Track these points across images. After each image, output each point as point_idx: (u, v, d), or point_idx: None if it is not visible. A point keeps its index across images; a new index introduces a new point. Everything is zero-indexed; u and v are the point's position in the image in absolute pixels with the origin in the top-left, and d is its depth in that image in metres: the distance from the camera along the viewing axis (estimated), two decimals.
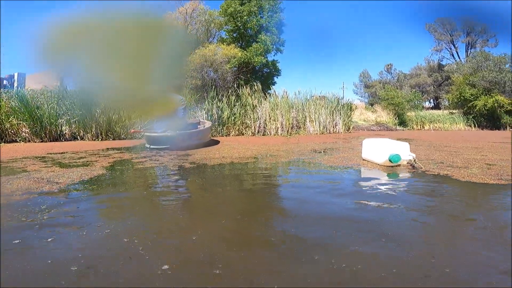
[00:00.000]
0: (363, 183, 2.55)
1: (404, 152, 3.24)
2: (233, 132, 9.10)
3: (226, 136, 8.44)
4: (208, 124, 6.74)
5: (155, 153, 4.64)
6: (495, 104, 16.17)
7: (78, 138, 7.27)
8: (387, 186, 2.38)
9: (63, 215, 1.75)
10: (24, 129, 7.00)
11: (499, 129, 15.97)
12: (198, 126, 6.39)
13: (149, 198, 2.23)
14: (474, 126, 16.79)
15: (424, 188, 2.38)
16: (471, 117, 17.10)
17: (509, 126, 16.33)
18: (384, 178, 2.74)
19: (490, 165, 3.30)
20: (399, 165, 3.23)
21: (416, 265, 1.15)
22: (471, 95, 16.97)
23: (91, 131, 7.18)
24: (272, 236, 1.48)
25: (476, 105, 16.69)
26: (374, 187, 2.36)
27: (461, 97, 17.47)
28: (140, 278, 1.08)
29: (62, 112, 7.27)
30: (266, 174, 3.06)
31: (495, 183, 2.37)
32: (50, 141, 6.88)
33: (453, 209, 1.82)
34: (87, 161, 3.85)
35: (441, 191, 2.23)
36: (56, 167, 3.42)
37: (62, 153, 4.77)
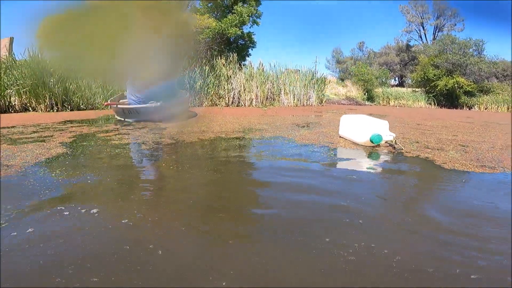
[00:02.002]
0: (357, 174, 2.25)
1: (384, 131, 2.99)
2: (206, 103, 8.52)
3: (198, 106, 7.86)
4: (186, 94, 5.99)
5: (124, 126, 4.04)
6: (455, 85, 16.81)
7: (30, 109, 6.32)
8: (381, 179, 2.09)
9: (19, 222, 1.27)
10: None
11: (456, 108, 16.72)
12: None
13: (121, 187, 1.77)
14: (434, 104, 17.47)
15: (413, 182, 2.12)
16: (431, 95, 17.73)
17: (466, 105, 17.14)
18: (372, 164, 2.46)
19: (463, 146, 3.17)
20: (379, 145, 2.99)
21: None
22: (434, 75, 17.46)
23: (45, 101, 6.25)
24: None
25: (437, 85, 17.26)
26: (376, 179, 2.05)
27: (425, 77, 17.95)
28: None
29: (10, 82, 6.22)
30: (257, 161, 2.55)
31: (480, 171, 2.18)
32: None
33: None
34: (42, 137, 3.19)
35: (434, 188, 1.95)
36: (4, 144, 2.77)
37: (11, 127, 3.99)
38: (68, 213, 1.38)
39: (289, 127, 4.14)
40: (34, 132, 3.48)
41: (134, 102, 4.58)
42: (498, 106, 16.49)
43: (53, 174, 1.96)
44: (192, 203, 1.53)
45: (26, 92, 6.18)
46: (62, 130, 3.71)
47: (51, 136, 3.25)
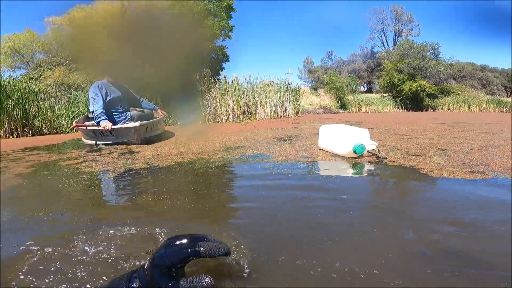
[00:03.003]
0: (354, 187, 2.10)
1: (366, 140, 2.89)
2: (180, 121, 8.19)
3: (173, 125, 7.52)
4: (160, 112, 5.44)
5: (90, 152, 3.65)
6: (418, 88, 17.72)
7: None
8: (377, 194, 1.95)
9: None
10: None
11: (421, 110, 17.57)
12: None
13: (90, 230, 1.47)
14: (402, 108, 18.24)
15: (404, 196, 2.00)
16: (398, 99, 18.54)
17: (430, 107, 18.08)
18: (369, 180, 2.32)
19: (443, 150, 3.16)
20: (361, 155, 2.88)
21: None
22: (399, 80, 18.34)
23: (3, 127, 5.66)
24: None
25: (403, 89, 18.12)
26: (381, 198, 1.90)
27: (390, 82, 18.81)
28: None
29: None
30: (244, 178, 2.36)
31: (472, 178, 2.11)
32: None
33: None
34: None
35: (429, 203, 1.82)
36: None
37: None
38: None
39: (270, 142, 3.97)
40: None
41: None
42: (459, 106, 17.55)
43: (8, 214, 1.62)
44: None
45: None
46: (20, 159, 3.28)
47: (5, 167, 2.84)
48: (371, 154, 2.94)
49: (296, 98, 10.91)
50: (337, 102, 16.48)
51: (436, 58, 19.09)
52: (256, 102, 9.66)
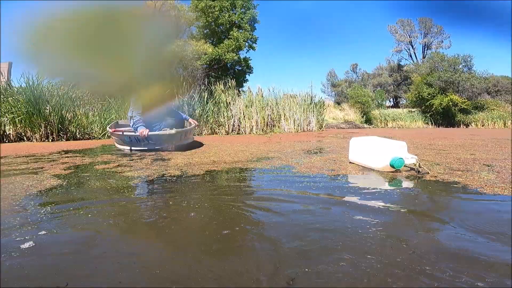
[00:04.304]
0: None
1: (404, 154, 2.75)
2: (205, 131, 8.33)
3: (198, 135, 7.66)
4: (192, 122, 5.48)
5: (122, 157, 3.78)
6: (450, 103, 16.98)
7: (25, 139, 6.07)
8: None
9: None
10: None
11: (453, 126, 16.76)
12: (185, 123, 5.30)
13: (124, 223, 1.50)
14: (431, 124, 17.52)
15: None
16: (428, 115, 17.84)
17: (462, 123, 17.21)
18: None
19: (489, 166, 2.95)
20: (399, 170, 2.74)
21: None
22: (429, 94, 17.68)
23: (40, 130, 6.02)
24: None
25: (433, 104, 17.43)
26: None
27: (419, 96, 18.16)
28: None
29: (4, 110, 6.02)
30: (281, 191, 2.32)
31: None
32: None
33: None
34: (34, 168, 2.93)
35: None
36: None
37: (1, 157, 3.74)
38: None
39: (300, 154, 3.92)
40: (24, 162, 3.22)
41: (139, 123, 4.28)
42: (494, 122, 16.58)
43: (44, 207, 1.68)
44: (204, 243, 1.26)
45: (21, 120, 5.97)
46: (54, 160, 3.45)
47: (42, 168, 2.99)
48: (409, 168, 2.80)
49: (320, 112, 10.82)
50: (362, 116, 16.17)
51: (469, 71, 18.32)
52: (280, 114, 9.66)
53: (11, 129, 6.05)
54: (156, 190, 2.30)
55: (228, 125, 8.71)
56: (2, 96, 6.10)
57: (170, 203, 1.90)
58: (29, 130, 6.03)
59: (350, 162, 3.21)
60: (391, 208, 1.76)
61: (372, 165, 2.88)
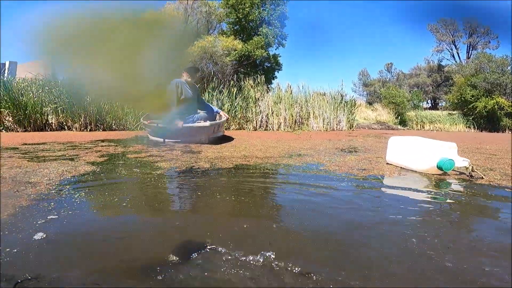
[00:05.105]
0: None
1: (454, 156, 2.47)
2: (233, 126, 8.38)
3: (226, 129, 7.72)
4: (223, 115, 5.49)
5: (153, 147, 3.89)
6: (495, 106, 15.68)
7: (66, 128, 6.48)
8: None
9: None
10: (7, 117, 6.21)
11: (498, 131, 15.45)
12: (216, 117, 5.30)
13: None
14: (474, 127, 16.29)
15: None
16: (470, 118, 16.60)
17: (508, 128, 15.85)
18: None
19: None
20: (446, 173, 2.52)
21: None
22: (472, 96, 16.43)
23: (80, 120, 6.39)
24: None
25: (476, 107, 16.18)
26: None
27: (462, 98, 16.93)
28: None
29: (48, 100, 6.46)
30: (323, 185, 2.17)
31: None
32: (35, 130, 6.09)
33: None
34: (71, 155, 3.10)
35: None
36: (27, 161, 2.69)
37: (40, 143, 4.01)
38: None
39: (333, 153, 3.78)
40: (62, 149, 3.41)
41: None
42: None
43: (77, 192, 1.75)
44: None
45: (63, 110, 6.38)
46: (93, 149, 3.61)
47: (77, 155, 3.14)
48: (459, 172, 2.55)
49: (350, 111, 10.46)
50: (396, 117, 15.42)
51: None
52: (309, 112, 9.47)
53: (53, 119, 6.48)
54: (189, 185, 2.31)
55: (256, 121, 8.69)
56: (46, 88, 6.54)
57: (199, 192, 1.89)
58: (70, 119, 6.42)
59: (387, 163, 3.03)
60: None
61: (414, 166, 2.65)
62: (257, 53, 13.36)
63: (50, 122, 6.47)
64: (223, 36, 13.92)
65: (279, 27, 14.10)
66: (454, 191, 2.11)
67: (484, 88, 16.30)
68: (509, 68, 16.91)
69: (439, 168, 2.42)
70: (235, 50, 13.09)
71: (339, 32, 54.72)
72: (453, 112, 17.91)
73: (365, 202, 1.75)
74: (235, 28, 14.63)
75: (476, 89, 16.58)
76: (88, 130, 6.38)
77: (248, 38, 14.11)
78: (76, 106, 6.29)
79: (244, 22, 14.25)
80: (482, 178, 2.35)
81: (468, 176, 2.42)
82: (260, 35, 13.61)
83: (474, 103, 16.52)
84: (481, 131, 15.71)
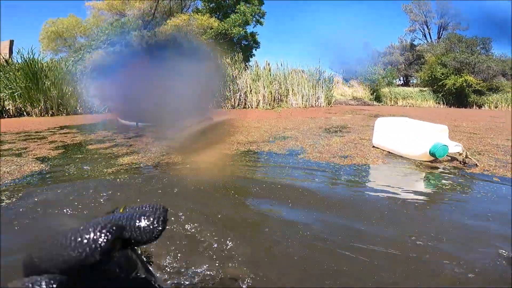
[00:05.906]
0: None
1: (446, 140, 2.19)
2: (210, 105, 7.93)
3: None
4: None
5: (121, 135, 3.39)
6: (464, 84, 16.17)
7: (25, 114, 5.76)
8: None
9: None
10: None
11: (465, 107, 16.02)
12: None
13: None
14: (443, 103, 16.81)
15: None
16: (440, 95, 17.07)
17: (475, 104, 16.49)
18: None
19: None
20: (438, 159, 2.22)
21: None
22: (442, 74, 16.83)
23: (39, 105, 5.68)
24: None
25: (446, 84, 16.63)
26: None
27: (432, 76, 17.31)
28: None
29: (3, 86, 5.66)
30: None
31: None
32: None
33: None
34: (19, 148, 2.60)
35: None
36: None
37: None
38: None
39: (318, 134, 3.53)
40: (11, 141, 2.90)
41: None
42: (508, 104, 15.84)
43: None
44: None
45: (20, 95, 5.62)
46: (44, 138, 3.12)
47: (25, 148, 2.66)
48: (450, 158, 2.29)
49: (329, 88, 10.28)
50: (371, 94, 15.50)
51: (486, 53, 17.31)
52: (288, 89, 9.16)
53: (10, 104, 5.72)
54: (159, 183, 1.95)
55: (234, 99, 8.29)
56: (1, 73, 5.72)
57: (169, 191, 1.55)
58: (28, 105, 5.69)
59: (373, 147, 2.73)
60: None
61: (404, 151, 2.36)
62: (234, 31, 12.65)
63: (7, 108, 5.71)
64: (198, 14, 13.01)
65: (257, 5, 13.36)
66: (455, 191, 1.86)
67: (454, 66, 16.71)
68: (478, 48, 17.38)
69: (432, 154, 2.15)
70: (211, 28, 12.32)
71: (320, 11, 53.48)
72: (424, 89, 18.32)
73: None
74: (211, 6, 13.71)
75: (446, 68, 16.98)
76: (50, 115, 5.70)
77: (225, 16, 13.30)
78: (33, 90, 5.56)
79: (220, 0, 13.38)
80: (476, 166, 2.11)
81: (461, 163, 2.17)
82: (238, 13, 12.86)
83: (444, 81, 16.97)
84: (450, 107, 16.24)
